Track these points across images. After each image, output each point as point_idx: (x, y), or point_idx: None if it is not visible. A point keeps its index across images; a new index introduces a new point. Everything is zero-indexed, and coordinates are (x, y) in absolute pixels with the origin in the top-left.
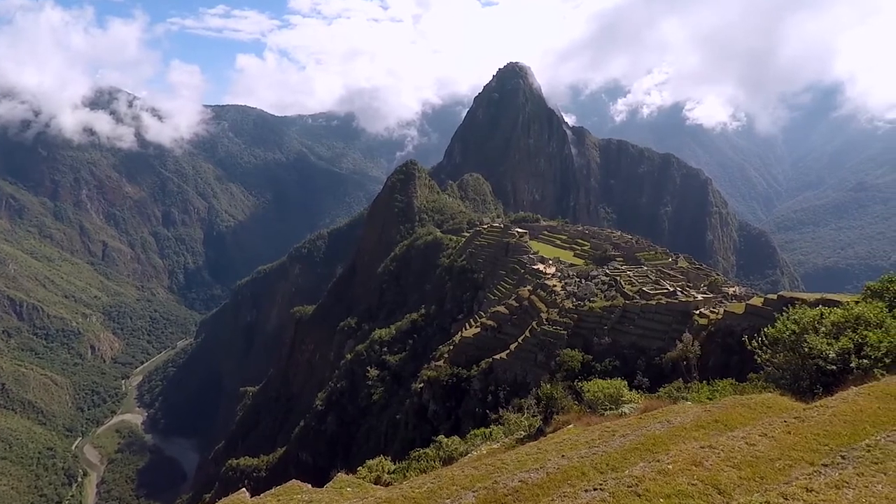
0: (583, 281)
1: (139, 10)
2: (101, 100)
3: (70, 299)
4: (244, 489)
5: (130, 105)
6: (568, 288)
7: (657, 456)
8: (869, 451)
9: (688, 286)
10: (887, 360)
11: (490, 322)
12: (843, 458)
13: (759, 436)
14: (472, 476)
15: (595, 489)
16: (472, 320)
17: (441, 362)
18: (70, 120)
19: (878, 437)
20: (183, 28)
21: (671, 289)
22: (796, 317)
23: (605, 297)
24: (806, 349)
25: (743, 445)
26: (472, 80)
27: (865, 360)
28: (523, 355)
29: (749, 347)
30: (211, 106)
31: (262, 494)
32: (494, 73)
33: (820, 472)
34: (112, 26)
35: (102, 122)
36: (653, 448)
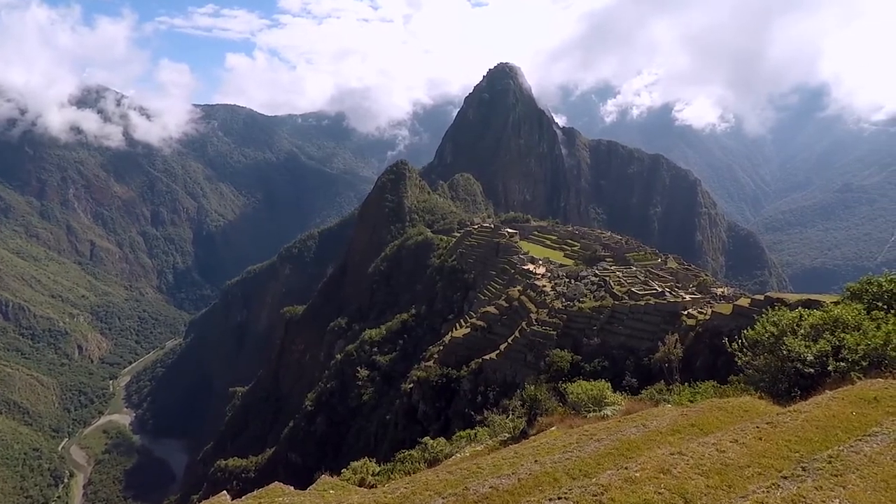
0: (572, 281)
1: (127, 8)
2: (88, 98)
3: (57, 299)
4: (225, 492)
5: (118, 104)
6: (557, 288)
7: (627, 462)
8: (830, 462)
9: (676, 287)
10: (864, 363)
11: (480, 322)
12: (803, 469)
13: (730, 442)
14: (447, 481)
15: (560, 497)
16: (462, 320)
17: (431, 363)
18: (57, 118)
19: (841, 448)
20: (172, 27)
21: (660, 289)
22: (775, 319)
23: (594, 297)
24: (784, 352)
25: (713, 452)
26: (462, 80)
27: (843, 363)
28: (513, 356)
29: (729, 349)
30: (200, 105)
31: (243, 497)
32: (485, 74)
33: (778, 486)
34: (100, 24)
35: (90, 121)
36: (627, 453)
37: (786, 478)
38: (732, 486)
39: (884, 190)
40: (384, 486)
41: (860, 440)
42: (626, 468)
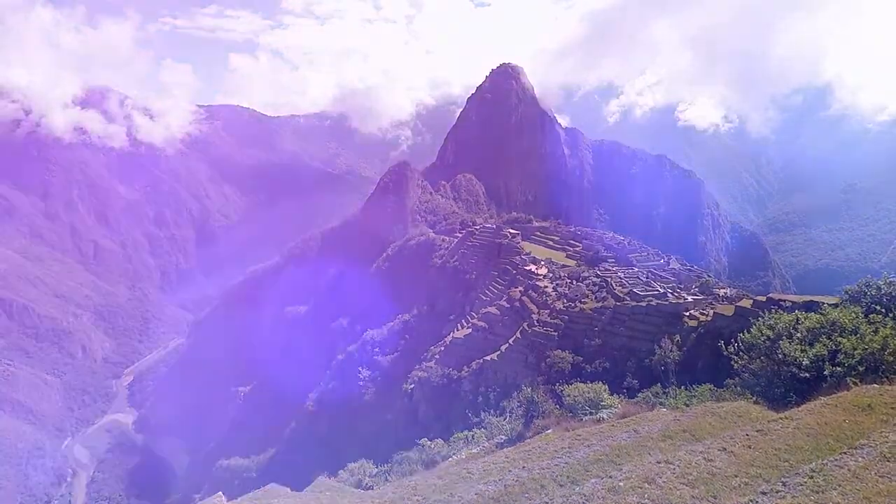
0: (574, 282)
1: (131, 9)
2: (92, 99)
3: (61, 299)
4: (221, 493)
5: (122, 104)
6: (559, 289)
7: (614, 470)
8: (812, 477)
9: (679, 288)
10: (861, 368)
11: (481, 323)
12: (783, 484)
13: (719, 450)
14: (435, 485)
15: None
16: (463, 321)
17: (432, 363)
18: (61, 119)
19: (825, 462)
20: (175, 27)
21: (662, 290)
22: (771, 322)
23: (595, 298)
24: (780, 356)
25: (700, 461)
26: (465, 80)
27: (839, 368)
28: (514, 356)
29: (725, 353)
30: (203, 105)
31: (239, 498)
32: (487, 74)
33: (756, 502)
34: (104, 25)
35: (94, 122)
36: (616, 459)
37: (765, 493)
38: (717, 497)
39: (888, 191)
40: (375, 490)
41: (845, 453)
42: (611, 477)
